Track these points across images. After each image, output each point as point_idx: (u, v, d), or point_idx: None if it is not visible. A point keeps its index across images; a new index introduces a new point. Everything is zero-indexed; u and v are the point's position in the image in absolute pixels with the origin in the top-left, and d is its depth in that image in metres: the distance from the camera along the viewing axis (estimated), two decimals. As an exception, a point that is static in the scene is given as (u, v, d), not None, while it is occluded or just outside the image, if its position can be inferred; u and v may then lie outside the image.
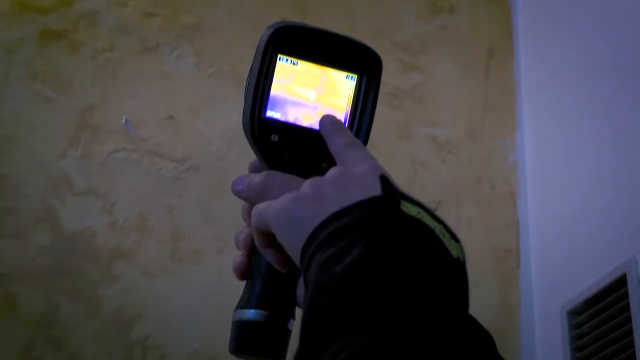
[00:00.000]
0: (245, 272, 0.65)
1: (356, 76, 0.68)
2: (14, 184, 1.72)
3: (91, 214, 1.74)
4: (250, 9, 1.99)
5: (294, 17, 2.01)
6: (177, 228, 1.77)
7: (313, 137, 0.65)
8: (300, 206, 0.54)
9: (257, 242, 0.60)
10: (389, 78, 2.01)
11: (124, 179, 1.78)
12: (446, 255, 0.50)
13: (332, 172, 0.57)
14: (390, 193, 0.53)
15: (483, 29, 2.19)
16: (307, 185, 0.57)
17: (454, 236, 0.52)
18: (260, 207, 0.58)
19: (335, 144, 0.62)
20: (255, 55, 0.65)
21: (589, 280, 1.68)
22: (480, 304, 1.87)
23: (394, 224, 0.50)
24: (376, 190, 0.53)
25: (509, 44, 2.20)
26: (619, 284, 1.57)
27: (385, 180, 0.54)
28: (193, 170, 1.82)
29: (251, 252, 0.65)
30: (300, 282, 0.62)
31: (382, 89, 1.99)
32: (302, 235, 0.53)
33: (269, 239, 0.58)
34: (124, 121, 1.82)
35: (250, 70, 0.65)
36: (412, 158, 1.98)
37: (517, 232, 1.98)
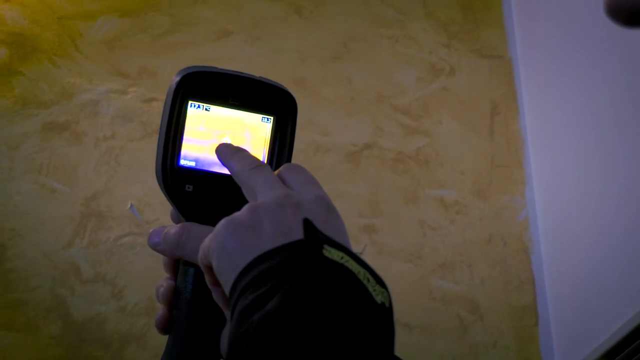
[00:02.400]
0: (166, 326, 0.63)
1: (272, 117, 0.67)
2: (22, 276, 1.74)
3: (100, 301, 1.74)
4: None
5: (293, 90, 2.03)
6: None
7: (230, 184, 0.62)
8: (233, 234, 0.52)
9: (206, 279, 0.57)
10: (393, 144, 2.02)
11: (132, 263, 1.79)
12: (369, 301, 0.48)
13: (271, 198, 0.54)
14: (312, 238, 0.51)
15: (485, 87, 2.20)
16: (246, 209, 0.54)
17: (380, 281, 0.50)
18: (206, 239, 0.55)
19: (237, 167, 0.60)
20: (164, 104, 0.63)
21: (608, 332, 1.64)
22: (500, 365, 1.83)
23: (316, 270, 0.49)
24: (299, 233, 0.51)
25: (513, 99, 2.20)
26: (638, 334, 1.54)
27: (308, 224, 0.52)
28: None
29: (172, 305, 0.63)
30: (224, 333, 0.60)
31: (386, 155, 2.00)
32: (232, 270, 0.51)
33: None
34: (129, 206, 1.83)
35: (161, 119, 0.63)
36: (421, 222, 1.97)
37: (534, 288, 1.94)
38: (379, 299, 0.49)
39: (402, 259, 1.91)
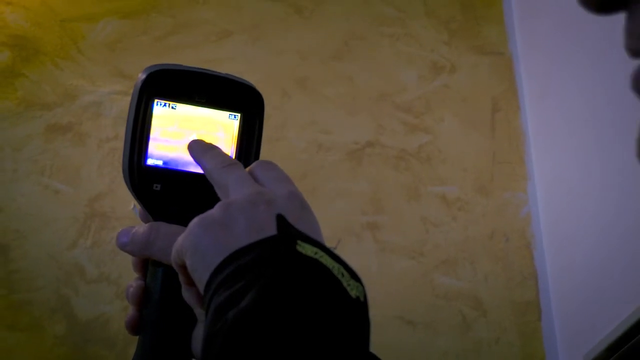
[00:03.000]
0: (136, 327, 0.63)
1: (239, 114, 0.65)
2: (27, 277, 1.75)
3: (105, 301, 1.76)
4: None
5: (295, 90, 2.04)
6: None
7: (199, 182, 0.62)
8: (206, 232, 0.52)
9: (180, 279, 0.56)
10: (394, 141, 2.03)
11: (136, 264, 1.80)
12: (344, 296, 0.48)
13: (243, 195, 0.54)
14: (286, 233, 0.51)
15: (485, 84, 2.20)
16: (219, 207, 0.53)
17: (354, 276, 0.50)
18: (179, 238, 0.55)
19: (209, 165, 0.59)
20: (130, 102, 0.63)
21: (610, 326, 1.65)
22: (504, 359, 1.84)
23: (289, 266, 0.48)
24: (272, 229, 0.51)
25: (513, 96, 2.20)
26: (638, 328, 1.54)
27: (281, 220, 0.52)
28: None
29: (142, 305, 0.63)
30: (196, 332, 0.60)
31: (388, 153, 2.02)
32: (205, 268, 0.51)
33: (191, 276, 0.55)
34: (132, 207, 1.85)
35: (127, 118, 0.62)
36: (423, 218, 1.98)
37: (536, 284, 1.95)
38: (353, 293, 0.49)
39: (405, 256, 1.91)
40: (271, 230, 0.51)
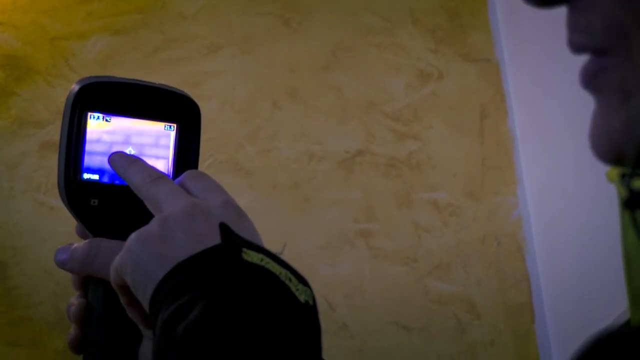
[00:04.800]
0: (79, 346, 0.61)
1: (174, 125, 0.64)
2: (25, 293, 1.77)
3: (103, 315, 1.77)
4: (242, 98, 2.05)
5: (285, 101, 2.07)
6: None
7: (137, 196, 0.59)
8: (145, 247, 0.51)
9: (121, 300, 0.55)
10: (384, 149, 2.05)
11: (133, 277, 1.82)
12: (293, 301, 0.48)
13: (178, 208, 0.53)
14: (230, 242, 0.51)
15: (473, 91, 2.23)
16: (156, 221, 0.53)
17: (302, 280, 0.50)
18: (116, 257, 0.53)
19: (136, 180, 0.58)
20: (63, 116, 0.61)
21: (601, 326, 1.67)
22: (498, 363, 1.86)
23: (237, 275, 0.48)
24: (214, 239, 0.51)
25: (501, 101, 2.23)
26: (628, 327, 1.57)
27: (225, 229, 0.52)
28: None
29: (84, 323, 0.61)
30: (142, 349, 0.59)
31: (378, 161, 2.04)
32: (148, 284, 0.50)
33: (132, 294, 0.53)
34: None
35: (60, 132, 0.61)
36: (415, 224, 2.00)
37: (529, 286, 1.97)
38: (302, 298, 0.49)
39: (398, 262, 1.94)
40: (213, 239, 0.51)
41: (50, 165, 1.89)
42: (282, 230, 1.92)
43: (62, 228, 1.84)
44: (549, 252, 1.99)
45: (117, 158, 0.60)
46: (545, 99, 2.09)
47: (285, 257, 0.52)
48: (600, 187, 1.79)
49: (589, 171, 1.83)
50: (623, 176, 0.36)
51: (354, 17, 2.22)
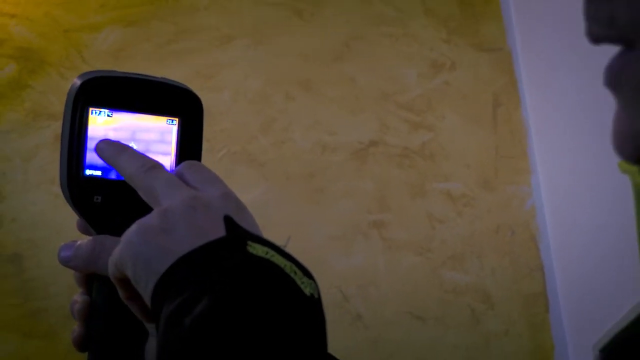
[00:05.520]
0: (84, 343, 0.60)
1: (177, 119, 0.64)
2: (41, 285, 1.77)
3: (118, 306, 1.78)
4: (254, 89, 2.05)
5: (298, 92, 2.06)
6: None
7: None
8: (146, 240, 0.50)
9: (120, 294, 0.54)
10: (398, 139, 2.05)
11: (148, 269, 1.82)
12: (298, 294, 0.48)
13: (178, 200, 0.52)
14: (235, 235, 0.50)
15: (486, 80, 2.22)
16: (156, 213, 0.52)
17: (307, 273, 0.50)
18: (115, 250, 0.52)
19: (129, 170, 0.56)
20: (64, 111, 0.61)
21: (618, 315, 1.67)
22: (513, 351, 1.86)
23: (242, 268, 0.48)
24: (218, 232, 0.50)
25: (514, 90, 2.22)
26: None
27: (229, 222, 0.51)
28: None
29: (88, 320, 0.60)
30: (148, 345, 0.58)
31: (392, 151, 2.03)
32: (151, 277, 0.49)
33: (132, 288, 0.52)
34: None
35: (62, 128, 0.61)
36: (429, 215, 2.00)
37: (543, 276, 1.97)
38: (307, 291, 0.48)
39: (413, 253, 1.94)
40: (217, 232, 0.50)
41: (65, 158, 1.90)
42: (295, 221, 1.92)
43: (76, 219, 1.84)
44: (563, 241, 1.98)
45: (104, 146, 0.59)
46: (558, 87, 2.08)
47: (289, 250, 0.52)
48: (614, 175, 1.78)
49: (602, 159, 1.82)
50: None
51: (367, 7, 2.22)
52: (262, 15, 2.14)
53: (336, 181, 1.99)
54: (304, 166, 1.99)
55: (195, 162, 0.59)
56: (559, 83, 2.08)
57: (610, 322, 1.69)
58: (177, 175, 0.57)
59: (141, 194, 0.56)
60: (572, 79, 1.99)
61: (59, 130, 1.94)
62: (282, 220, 1.89)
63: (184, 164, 0.58)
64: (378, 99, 2.12)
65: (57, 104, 1.94)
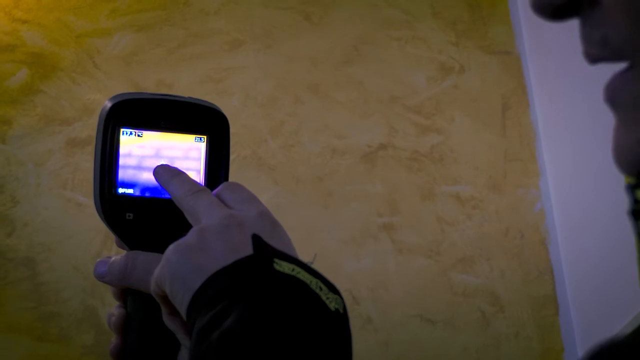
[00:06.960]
0: (120, 355, 0.63)
1: (205, 137, 0.66)
2: (54, 289, 1.79)
3: (130, 310, 1.79)
4: (264, 93, 2.07)
5: (308, 96, 2.07)
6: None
7: (171, 208, 0.61)
8: (183, 258, 0.52)
9: (163, 310, 0.56)
10: (407, 143, 2.06)
11: (159, 272, 1.83)
12: (324, 310, 0.49)
13: (216, 220, 0.55)
14: (262, 252, 0.52)
15: (495, 83, 2.23)
16: (193, 232, 0.54)
17: (332, 289, 0.51)
18: (156, 269, 0.55)
19: (178, 192, 0.59)
20: (97, 133, 0.63)
21: (627, 317, 1.67)
22: (523, 354, 1.87)
23: (269, 284, 0.49)
24: (247, 249, 0.52)
25: (523, 93, 2.23)
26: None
27: (257, 240, 0.53)
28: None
29: (124, 333, 0.63)
30: (181, 357, 0.60)
31: (401, 154, 2.05)
32: (186, 293, 0.51)
33: (172, 304, 0.55)
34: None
35: (95, 149, 0.63)
36: (438, 218, 2.01)
37: (552, 278, 1.98)
38: (332, 306, 0.50)
39: (422, 255, 1.95)
40: (247, 250, 0.52)
41: (77, 162, 1.91)
42: (305, 225, 1.93)
43: (89, 224, 1.86)
44: (572, 244, 1.99)
45: (160, 170, 0.62)
46: (567, 90, 2.08)
47: (315, 267, 0.53)
48: (622, 178, 1.78)
49: (611, 162, 1.82)
50: (629, 186, 0.35)
51: (375, 10, 2.23)
52: (271, 20, 2.15)
53: (345, 184, 2.00)
54: (313, 170, 2.00)
55: (234, 182, 0.62)
56: (567, 86, 2.08)
57: (620, 324, 1.69)
58: (217, 196, 0.59)
59: (186, 215, 0.59)
60: (581, 82, 1.99)
61: (71, 135, 1.95)
62: (292, 224, 1.89)
63: (223, 184, 0.61)
64: (387, 102, 2.13)
65: (69, 109, 1.96)
